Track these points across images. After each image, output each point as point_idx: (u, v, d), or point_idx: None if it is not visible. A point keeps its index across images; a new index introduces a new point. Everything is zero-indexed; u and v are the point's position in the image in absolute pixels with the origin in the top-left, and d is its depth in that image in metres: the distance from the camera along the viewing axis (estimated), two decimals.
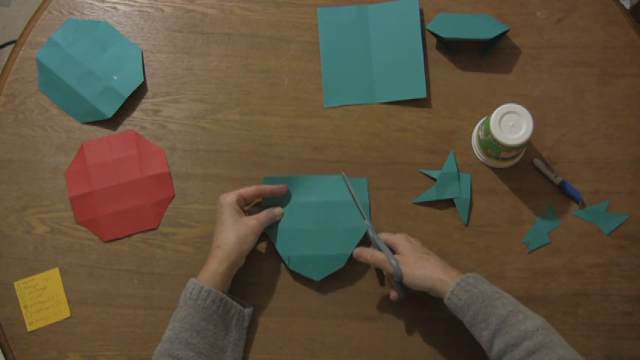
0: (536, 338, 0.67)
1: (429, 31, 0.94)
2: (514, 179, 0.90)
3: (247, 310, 0.82)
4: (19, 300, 0.85)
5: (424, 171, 0.90)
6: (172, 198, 0.89)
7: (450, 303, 0.73)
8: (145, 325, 0.84)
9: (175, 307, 0.77)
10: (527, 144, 0.88)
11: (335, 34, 0.95)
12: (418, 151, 0.91)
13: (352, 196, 0.87)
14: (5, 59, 1.01)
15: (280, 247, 0.85)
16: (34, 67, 0.93)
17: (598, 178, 0.90)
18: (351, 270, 0.86)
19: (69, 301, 0.85)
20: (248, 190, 0.83)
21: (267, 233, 0.86)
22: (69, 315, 0.85)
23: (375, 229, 0.84)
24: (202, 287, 0.75)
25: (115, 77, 0.91)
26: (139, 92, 0.92)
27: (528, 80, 0.93)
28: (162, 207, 0.89)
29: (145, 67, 0.93)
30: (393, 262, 0.77)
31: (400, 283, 0.79)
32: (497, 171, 0.90)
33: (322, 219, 0.86)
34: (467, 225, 0.88)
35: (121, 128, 0.91)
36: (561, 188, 0.89)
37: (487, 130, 0.84)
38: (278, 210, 0.86)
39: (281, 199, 0.87)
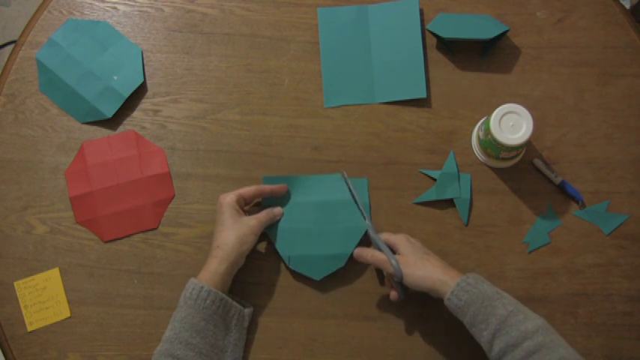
0: (537, 338, 0.67)
1: (429, 31, 0.94)
2: (514, 179, 0.90)
3: (247, 310, 0.82)
4: (19, 300, 0.85)
5: (424, 171, 0.90)
6: (172, 198, 0.89)
7: (450, 303, 0.73)
8: (145, 325, 0.85)
9: (175, 307, 0.77)
10: (527, 144, 0.88)
11: (335, 34, 0.95)
12: (418, 151, 0.91)
13: (352, 196, 0.87)
14: (5, 59, 1.01)
15: (280, 246, 0.85)
16: (34, 67, 0.93)
17: (598, 178, 0.90)
18: (351, 270, 0.86)
19: (69, 301, 0.85)
20: (248, 190, 0.83)
21: (267, 233, 0.86)
22: (69, 315, 0.85)
23: (375, 229, 0.84)
24: (202, 287, 0.75)
25: (115, 77, 0.91)
26: (139, 92, 0.92)
27: (528, 80, 0.93)
28: (162, 207, 0.89)
29: (145, 67, 0.93)
30: (394, 262, 0.77)
31: (400, 284, 0.79)
32: (497, 171, 0.90)
33: (322, 218, 0.86)
34: (467, 225, 0.88)
35: (121, 128, 0.91)
36: (561, 188, 0.89)
37: (487, 130, 0.84)
38: (278, 210, 0.86)
39: (281, 199, 0.87)
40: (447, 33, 0.91)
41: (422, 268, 0.76)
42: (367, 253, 0.80)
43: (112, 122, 0.91)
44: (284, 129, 0.92)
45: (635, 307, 0.85)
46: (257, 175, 0.90)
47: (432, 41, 0.95)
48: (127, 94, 0.91)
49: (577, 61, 0.94)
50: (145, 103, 0.92)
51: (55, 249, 0.87)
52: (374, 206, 0.89)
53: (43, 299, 0.85)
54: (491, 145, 0.85)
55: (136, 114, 0.92)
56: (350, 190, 0.87)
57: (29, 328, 0.84)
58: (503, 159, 0.88)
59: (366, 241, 0.86)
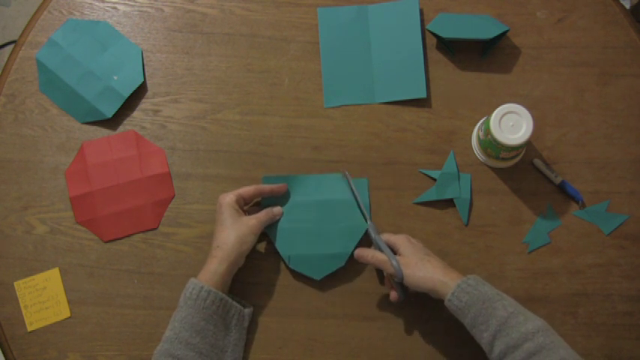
0: (537, 340, 0.67)
1: (429, 31, 0.94)
2: (514, 179, 0.90)
3: (247, 310, 0.82)
4: (19, 300, 0.85)
5: (424, 171, 0.90)
6: (172, 198, 0.89)
7: (450, 305, 0.73)
8: (145, 325, 0.85)
9: (175, 307, 0.77)
10: (527, 144, 0.88)
11: (335, 34, 0.95)
12: (418, 151, 0.91)
13: (354, 195, 0.87)
14: (5, 59, 1.01)
15: (280, 246, 0.85)
16: (34, 67, 0.93)
17: (598, 178, 0.90)
18: (351, 270, 0.86)
19: (69, 301, 0.85)
20: (247, 190, 0.83)
21: (267, 232, 0.86)
22: (69, 315, 0.85)
23: (376, 229, 0.84)
24: (202, 287, 0.75)
25: (115, 77, 0.91)
26: (139, 92, 0.92)
27: (528, 80, 0.93)
28: (162, 207, 0.89)
29: (145, 67, 0.93)
30: (394, 262, 0.77)
31: (400, 284, 0.79)
32: (497, 171, 0.90)
33: (322, 218, 0.86)
34: (467, 225, 0.88)
35: (121, 128, 0.91)
36: (561, 188, 0.89)
37: (487, 130, 0.84)
38: (277, 209, 0.86)
39: (280, 199, 0.87)
40: (447, 33, 0.91)
41: (422, 269, 0.76)
42: (368, 254, 0.80)
43: (112, 122, 0.91)
44: (284, 129, 0.92)
45: (635, 307, 0.85)
46: (257, 175, 0.90)
47: (432, 41, 0.95)
48: (127, 94, 0.91)
49: (577, 61, 0.94)
50: (145, 103, 0.92)
51: (55, 249, 0.87)
52: (374, 206, 0.89)
53: (43, 299, 0.85)
54: (491, 145, 0.85)
55: (136, 114, 0.92)
56: (352, 190, 0.87)
57: (29, 328, 0.84)
58: (503, 159, 0.88)
59: (365, 240, 0.86)
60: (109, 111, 0.91)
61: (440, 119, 0.92)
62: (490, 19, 0.93)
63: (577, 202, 0.89)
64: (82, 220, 0.88)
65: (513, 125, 0.82)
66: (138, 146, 0.90)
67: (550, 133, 0.91)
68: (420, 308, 0.84)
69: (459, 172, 0.90)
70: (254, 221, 0.81)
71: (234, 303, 0.79)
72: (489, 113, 0.84)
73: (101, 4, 0.96)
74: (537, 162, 0.90)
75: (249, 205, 0.87)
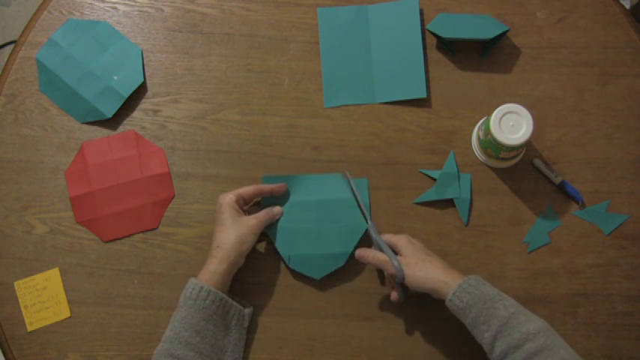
0: (538, 340, 0.67)
1: (429, 31, 0.94)
2: (514, 179, 0.90)
3: (247, 310, 0.82)
4: (19, 300, 0.85)
5: (424, 171, 0.90)
6: (172, 198, 0.89)
7: (451, 305, 0.73)
8: (145, 325, 0.84)
9: (175, 307, 0.77)
10: (527, 144, 0.88)
11: (335, 34, 0.95)
12: (418, 151, 0.91)
13: (354, 195, 0.87)
14: (5, 59, 1.01)
15: (280, 246, 0.85)
16: (34, 67, 0.93)
17: (598, 178, 0.90)
18: (351, 270, 0.86)
19: (69, 301, 0.85)
20: (247, 190, 0.83)
21: (267, 232, 0.86)
22: (69, 315, 0.85)
23: (377, 229, 0.84)
24: (202, 287, 0.75)
25: (115, 77, 0.91)
26: (139, 92, 0.92)
27: (528, 80, 0.93)
28: (162, 207, 0.89)
29: (145, 67, 0.93)
30: (395, 263, 0.77)
31: (401, 285, 0.79)
32: (497, 171, 0.90)
33: (322, 217, 0.86)
34: (467, 225, 0.88)
35: (121, 128, 0.91)
36: (561, 188, 0.89)
37: (487, 130, 0.84)
38: (277, 209, 0.86)
39: (280, 198, 0.87)
40: (447, 33, 0.91)
41: (423, 269, 0.76)
42: (369, 254, 0.80)
43: (112, 122, 0.91)
44: (284, 129, 0.92)
45: (635, 307, 0.85)
46: (257, 175, 0.90)
47: (432, 41, 0.95)
48: (127, 94, 0.91)
49: (577, 61, 0.94)
50: (145, 103, 0.92)
51: (55, 249, 0.87)
52: (374, 206, 0.89)
53: (43, 299, 0.85)
54: (491, 145, 0.85)
55: (136, 114, 0.92)
56: (352, 191, 0.87)
57: (29, 328, 0.84)
58: (503, 159, 0.88)
59: (365, 240, 0.86)
60: (109, 111, 0.91)
61: (440, 119, 0.92)
62: (490, 19, 0.93)
63: (577, 202, 0.89)
64: (82, 220, 0.88)
65: (513, 125, 0.82)
66: (138, 146, 0.90)
67: (550, 133, 0.91)
68: (420, 308, 0.84)
69: (459, 172, 0.90)
70: (254, 221, 0.81)
71: (234, 303, 0.79)
72: (489, 113, 0.84)
73: (101, 4, 0.96)
74: (537, 162, 0.90)
75: (249, 205, 0.87)
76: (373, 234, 0.83)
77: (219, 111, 0.92)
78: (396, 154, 0.91)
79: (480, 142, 0.88)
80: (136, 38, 0.95)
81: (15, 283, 0.85)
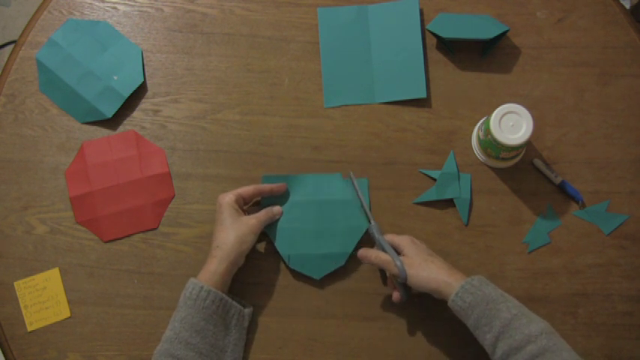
0: (540, 342, 0.67)
1: (429, 31, 0.94)
2: (514, 179, 0.90)
3: (247, 310, 0.82)
4: (19, 300, 0.85)
5: (424, 171, 0.90)
6: (172, 198, 0.89)
7: (454, 305, 0.73)
8: (145, 325, 0.85)
9: (175, 307, 0.77)
10: (527, 144, 0.88)
11: (335, 34, 0.95)
12: (418, 151, 0.91)
13: (358, 197, 0.87)
14: (5, 59, 1.01)
15: (280, 245, 0.85)
16: (34, 67, 0.93)
17: (598, 178, 0.90)
18: (352, 270, 0.86)
19: (69, 301, 0.85)
20: (247, 190, 0.83)
21: (267, 232, 0.86)
22: (69, 315, 0.85)
23: (380, 230, 0.84)
24: (202, 287, 0.75)
25: (115, 77, 0.91)
26: (139, 92, 0.92)
27: (528, 80, 0.93)
28: (162, 207, 0.89)
29: (145, 67, 0.93)
30: (398, 263, 0.77)
31: (403, 285, 0.79)
32: (497, 171, 0.90)
33: (322, 217, 0.86)
34: (467, 225, 0.88)
35: (121, 128, 0.91)
36: (561, 188, 0.89)
37: (487, 130, 0.84)
38: (277, 209, 0.86)
39: (280, 198, 0.87)
40: (447, 33, 0.91)
41: (426, 269, 0.76)
42: (371, 254, 0.80)
43: (112, 122, 0.91)
44: (284, 129, 0.92)
45: (635, 307, 0.85)
46: (257, 175, 0.90)
47: (432, 41, 0.95)
48: (127, 94, 0.91)
49: (577, 61, 0.94)
50: (145, 103, 0.92)
51: (55, 249, 0.87)
52: (374, 206, 0.89)
53: (43, 299, 0.85)
54: (491, 145, 0.85)
55: (136, 114, 0.92)
56: (356, 191, 0.87)
57: (29, 328, 0.84)
58: (503, 159, 0.88)
59: (364, 240, 0.86)
60: (109, 111, 0.91)
61: (440, 119, 0.92)
62: (490, 19, 0.93)
63: (577, 202, 0.89)
64: (82, 220, 0.88)
65: (513, 125, 0.82)
66: (138, 146, 0.90)
67: (550, 133, 0.91)
68: (421, 309, 0.84)
69: (459, 172, 0.90)
70: (254, 221, 0.81)
71: (234, 303, 0.79)
72: (489, 113, 0.84)
73: (101, 4, 0.96)
74: (537, 162, 0.90)
75: (248, 205, 0.87)
76: (376, 234, 0.83)
77: (219, 111, 0.92)
78: (396, 154, 0.91)
79: (480, 142, 0.88)
80: (136, 38, 0.95)
81: (15, 283, 0.85)
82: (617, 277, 0.86)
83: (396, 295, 0.81)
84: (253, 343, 0.83)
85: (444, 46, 0.94)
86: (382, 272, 0.86)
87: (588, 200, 0.89)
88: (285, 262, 0.85)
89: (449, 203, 0.89)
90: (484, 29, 0.91)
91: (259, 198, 0.87)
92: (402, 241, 0.81)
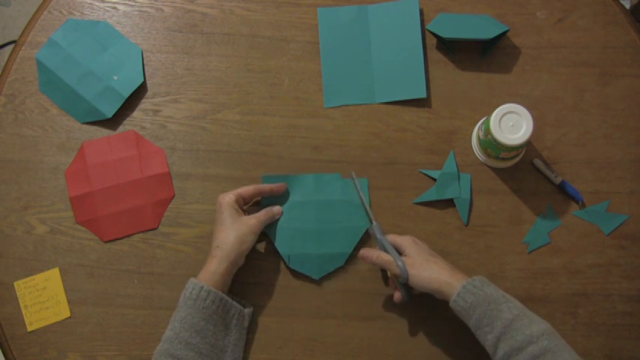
0: (541, 343, 0.67)
1: (429, 31, 0.94)
2: (514, 179, 0.90)
3: (247, 310, 0.82)
4: (19, 300, 0.85)
5: (424, 171, 0.90)
6: (172, 198, 0.89)
7: (455, 305, 0.73)
8: (145, 325, 0.85)
9: (175, 307, 0.77)
10: (527, 144, 0.88)
11: (335, 34, 0.95)
12: (418, 151, 0.91)
13: (360, 197, 0.87)
14: (5, 59, 1.01)
15: (280, 245, 0.85)
16: (34, 67, 0.93)
17: (598, 178, 0.90)
18: (352, 270, 0.86)
19: (69, 301, 0.85)
20: (247, 190, 0.83)
21: (267, 232, 0.86)
22: (69, 315, 0.85)
23: (382, 230, 0.84)
24: (202, 287, 0.75)
25: (115, 77, 0.91)
26: (139, 92, 0.92)
27: (528, 80, 0.93)
28: (162, 207, 0.89)
29: (145, 67, 0.93)
30: (400, 263, 0.77)
31: (405, 285, 0.79)
32: (497, 171, 0.90)
33: (321, 217, 0.86)
34: (467, 225, 0.88)
35: (121, 128, 0.91)
36: (561, 188, 0.89)
37: (487, 130, 0.84)
38: (277, 208, 0.86)
39: (280, 198, 0.87)
40: (447, 33, 0.91)
41: (428, 269, 0.76)
42: (373, 254, 0.80)
43: (112, 122, 0.91)
44: (284, 129, 0.92)
45: (635, 307, 0.85)
46: (257, 175, 0.90)
47: (432, 41, 0.95)
48: (127, 94, 0.91)
49: (577, 61, 0.94)
50: (145, 103, 0.92)
51: (55, 249, 0.87)
52: (374, 206, 0.89)
53: (43, 299, 0.85)
54: (491, 145, 0.85)
55: (136, 114, 0.92)
56: (358, 192, 0.87)
57: (29, 328, 0.84)
58: (503, 159, 0.88)
59: (364, 240, 0.86)
60: (109, 111, 0.91)
61: (440, 119, 0.92)
62: (490, 19, 0.93)
63: (577, 202, 0.89)
64: (82, 220, 0.88)
65: (513, 125, 0.82)
66: (138, 146, 0.90)
67: (550, 133, 0.91)
68: (421, 309, 0.84)
69: (459, 172, 0.90)
70: (254, 221, 0.81)
71: (234, 303, 0.79)
72: (489, 113, 0.84)
73: (101, 4, 0.96)
74: (537, 162, 0.90)
75: (248, 205, 0.87)
76: (378, 234, 0.83)
77: (219, 111, 0.92)
78: (396, 154, 0.91)
79: (480, 142, 0.88)
80: (136, 38, 0.95)
81: (15, 283, 0.85)
82: (617, 277, 0.86)
83: (397, 296, 0.81)
84: (253, 343, 0.83)
85: (444, 46, 0.94)
86: (383, 272, 0.86)
87: (588, 200, 0.89)
88: (285, 262, 0.86)
89: (449, 203, 0.89)
90: (484, 29, 0.91)
91: (259, 198, 0.87)
92: (404, 241, 0.81)
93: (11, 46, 1.38)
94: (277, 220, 0.86)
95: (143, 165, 0.89)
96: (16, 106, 0.92)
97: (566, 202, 0.89)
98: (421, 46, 0.93)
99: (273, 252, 0.87)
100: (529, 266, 0.87)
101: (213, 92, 0.93)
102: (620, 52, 0.94)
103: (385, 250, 0.80)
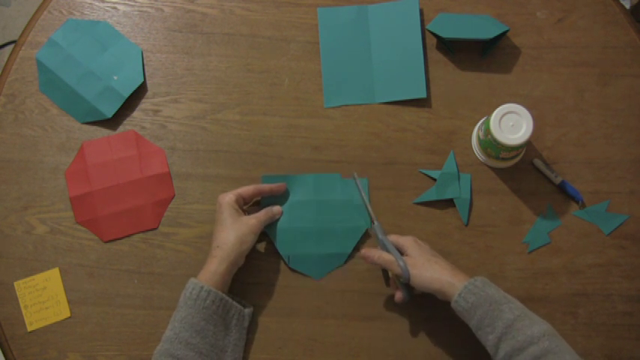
0: (542, 344, 0.67)
1: (429, 31, 0.94)
2: (514, 179, 0.90)
3: (247, 310, 0.82)
4: (19, 300, 0.85)
5: (424, 171, 0.90)
6: (172, 198, 0.89)
7: (457, 306, 0.73)
8: (145, 325, 0.84)
9: (175, 307, 0.77)
10: (527, 144, 0.88)
11: (335, 34, 0.95)
12: (418, 151, 0.91)
13: (362, 198, 0.87)
14: (5, 59, 1.01)
15: (280, 245, 0.85)
16: (34, 67, 0.93)
17: (598, 178, 0.90)
18: (352, 270, 0.86)
19: (69, 301, 0.85)
20: (247, 190, 0.83)
21: (267, 232, 0.86)
22: (69, 315, 0.85)
23: (383, 230, 0.84)
24: (202, 287, 0.75)
25: (115, 77, 0.91)
26: (139, 92, 0.92)
27: (528, 80, 0.93)
28: (162, 207, 0.89)
29: (145, 67, 0.93)
30: (401, 263, 0.77)
31: (406, 285, 0.79)
32: (497, 171, 0.90)
33: (321, 217, 0.86)
34: (467, 225, 0.88)
35: (121, 128, 0.91)
36: (561, 188, 0.89)
37: (487, 130, 0.84)
38: (277, 208, 0.86)
39: (280, 198, 0.87)
40: (447, 33, 0.91)
41: (429, 269, 0.76)
42: (374, 254, 0.80)
43: (112, 122, 0.91)
44: (284, 129, 0.92)
45: (635, 307, 0.85)
46: (257, 175, 0.90)
47: (432, 41, 0.95)
48: (127, 94, 0.91)
49: (577, 61, 0.94)
50: (145, 103, 0.92)
51: (55, 249, 0.87)
52: (374, 206, 0.89)
53: (43, 299, 0.85)
54: (491, 145, 0.85)
55: (136, 114, 0.92)
56: (359, 191, 0.87)
57: (29, 328, 0.84)
58: (503, 159, 0.88)
59: (364, 240, 0.86)
60: (109, 111, 0.91)
61: (440, 119, 0.92)
62: (490, 19, 0.93)
63: (577, 202, 0.89)
64: (82, 220, 0.88)
65: (513, 125, 0.82)
66: (138, 146, 0.90)
67: (550, 133, 0.91)
68: (421, 309, 0.84)
69: (459, 172, 0.90)
70: (254, 221, 0.81)
71: (234, 303, 0.79)
72: (489, 113, 0.84)
73: (101, 4, 0.96)
74: (537, 162, 0.90)
75: (248, 205, 0.87)
76: (379, 234, 0.83)
77: (219, 111, 0.92)
78: (396, 154, 0.91)
79: (480, 142, 0.88)
80: (136, 38, 0.95)
81: (15, 283, 0.85)
82: (617, 277, 0.86)
83: (398, 296, 0.81)
84: (253, 343, 0.83)
85: (444, 46, 0.94)
86: (384, 273, 0.86)
87: (588, 200, 0.89)
88: (285, 262, 0.86)
89: (449, 203, 0.89)
90: (484, 29, 0.91)
91: (259, 198, 0.87)
92: (406, 241, 0.81)
93: (11, 46, 1.38)
94: (277, 220, 0.86)
95: (143, 165, 0.89)
96: (16, 106, 0.92)
97: (566, 202, 0.89)
98: (421, 46, 0.93)
99: (273, 252, 0.87)
100: (529, 266, 0.87)
101: (213, 92, 0.93)
102: (620, 52, 0.94)
103: (386, 250, 0.80)
